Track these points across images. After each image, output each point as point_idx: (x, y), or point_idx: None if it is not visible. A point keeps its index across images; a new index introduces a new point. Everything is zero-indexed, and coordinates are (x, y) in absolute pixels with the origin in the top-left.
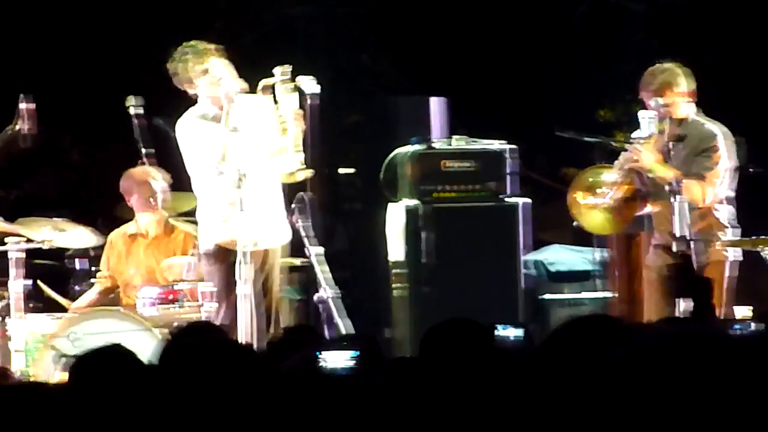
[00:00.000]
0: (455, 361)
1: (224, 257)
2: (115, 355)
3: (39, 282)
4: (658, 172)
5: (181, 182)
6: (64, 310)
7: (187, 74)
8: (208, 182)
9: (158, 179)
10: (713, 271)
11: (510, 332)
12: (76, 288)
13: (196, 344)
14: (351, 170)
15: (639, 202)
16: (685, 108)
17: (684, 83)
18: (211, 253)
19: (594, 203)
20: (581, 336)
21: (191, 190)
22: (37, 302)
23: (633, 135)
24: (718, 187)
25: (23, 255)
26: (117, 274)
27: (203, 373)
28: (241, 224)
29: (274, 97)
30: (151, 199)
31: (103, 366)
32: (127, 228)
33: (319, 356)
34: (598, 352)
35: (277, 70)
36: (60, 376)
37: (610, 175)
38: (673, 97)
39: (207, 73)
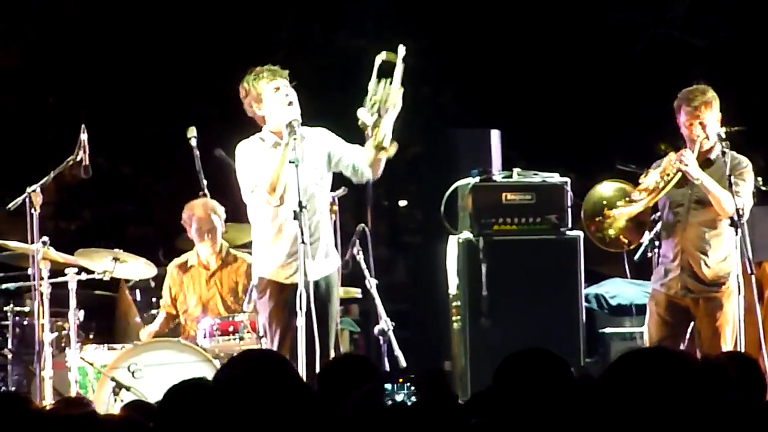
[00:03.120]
0: (533, 392)
1: (270, 288)
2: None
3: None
4: (706, 181)
5: (241, 214)
6: (124, 340)
7: (259, 91)
8: (258, 212)
9: (218, 212)
10: None
11: None
12: (137, 320)
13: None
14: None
15: (641, 230)
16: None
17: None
18: (258, 285)
19: (625, 212)
20: (639, 369)
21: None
22: (96, 334)
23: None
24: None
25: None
26: (178, 304)
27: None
28: (300, 253)
29: (379, 73)
30: (208, 234)
31: (188, 399)
32: (187, 258)
33: (385, 389)
34: (658, 385)
35: (402, 50)
36: (119, 408)
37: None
38: (712, 116)
39: (278, 90)
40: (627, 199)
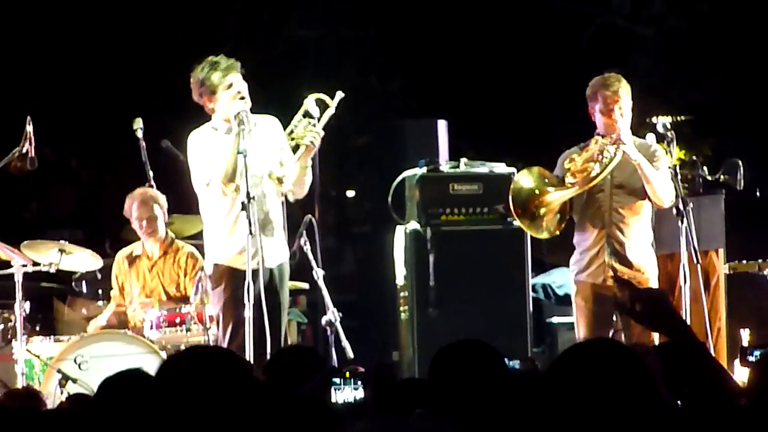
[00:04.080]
0: (466, 383)
1: (226, 278)
2: (137, 379)
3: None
4: (644, 163)
5: (189, 205)
6: (70, 331)
7: (212, 85)
8: (210, 201)
9: (158, 201)
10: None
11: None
12: (83, 311)
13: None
14: (355, 193)
15: (540, 207)
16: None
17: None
18: (213, 274)
19: (559, 195)
20: (586, 361)
21: (199, 213)
22: (42, 325)
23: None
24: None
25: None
26: (124, 294)
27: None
28: (248, 245)
29: (307, 111)
30: (147, 222)
31: (125, 390)
32: (133, 249)
33: (334, 383)
34: (604, 377)
35: (339, 95)
36: (64, 400)
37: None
38: (629, 102)
39: (231, 87)
40: (556, 184)
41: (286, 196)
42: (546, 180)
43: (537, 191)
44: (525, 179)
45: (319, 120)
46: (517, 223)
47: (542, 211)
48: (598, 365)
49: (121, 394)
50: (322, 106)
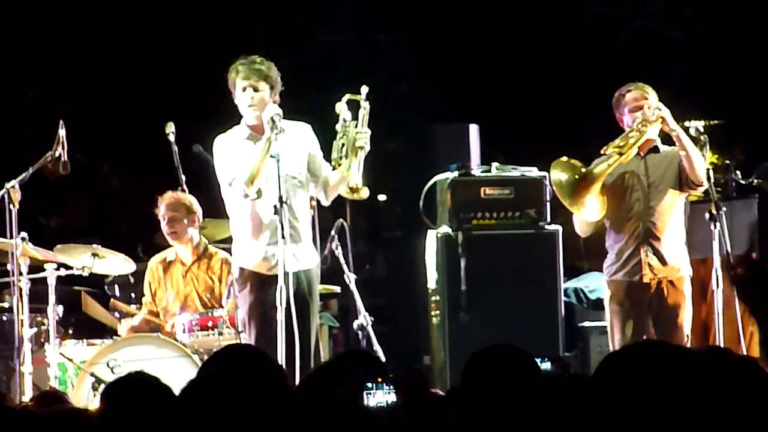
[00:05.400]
0: (500, 388)
1: (251, 282)
2: (141, 383)
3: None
4: (682, 135)
5: (221, 210)
6: (102, 335)
7: (233, 84)
8: (237, 206)
9: (185, 203)
10: None
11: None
12: (116, 314)
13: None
14: (387, 197)
15: (589, 187)
16: None
17: None
18: (239, 277)
19: (603, 167)
20: (635, 361)
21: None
22: (75, 329)
23: None
24: None
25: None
26: (157, 300)
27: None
28: (279, 249)
29: (354, 113)
30: (173, 224)
31: (130, 394)
32: (166, 255)
33: (366, 387)
34: (649, 378)
35: (365, 89)
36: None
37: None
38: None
39: (245, 90)
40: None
41: (318, 201)
42: (577, 165)
43: (577, 176)
44: (559, 173)
45: (357, 121)
46: (552, 227)
47: (592, 190)
48: (654, 367)
49: (128, 400)
50: (355, 106)
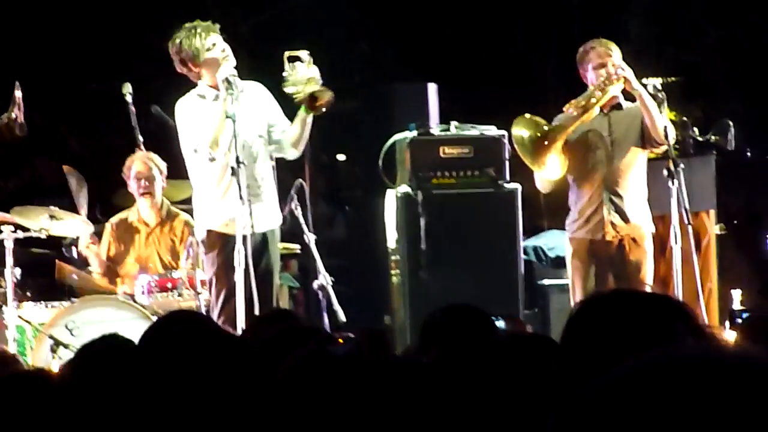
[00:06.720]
0: (455, 348)
1: (219, 243)
2: (114, 345)
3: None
4: (644, 93)
5: (178, 170)
6: (58, 297)
7: (194, 48)
8: (201, 167)
9: (158, 165)
10: None
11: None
12: (74, 276)
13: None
14: (346, 157)
15: (551, 145)
16: None
17: None
18: (206, 239)
19: (567, 124)
20: (604, 315)
21: (188, 178)
22: (32, 291)
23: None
24: None
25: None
26: (117, 260)
27: (187, 363)
28: (238, 210)
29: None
30: (144, 181)
31: (103, 355)
32: (127, 215)
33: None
34: (619, 330)
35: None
36: (57, 366)
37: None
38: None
39: (214, 46)
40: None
41: (277, 161)
42: (540, 122)
43: (539, 133)
44: (521, 130)
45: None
46: (511, 185)
47: (553, 148)
48: (625, 314)
49: (102, 361)
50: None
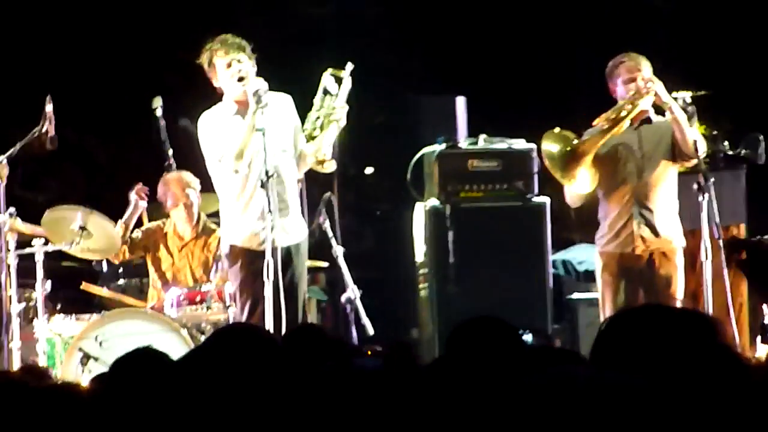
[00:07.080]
0: (482, 360)
1: (241, 257)
2: (148, 358)
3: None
4: (674, 106)
5: (207, 184)
6: (88, 310)
7: (213, 65)
8: (224, 180)
9: (193, 185)
10: None
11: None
12: (104, 289)
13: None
14: (374, 170)
15: (581, 159)
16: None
17: None
18: (228, 254)
19: (597, 135)
20: (634, 330)
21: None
22: (64, 304)
23: None
24: None
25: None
26: (151, 254)
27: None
28: (261, 224)
29: (325, 89)
30: (184, 208)
31: (137, 369)
32: (167, 225)
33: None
34: (648, 345)
35: (350, 66)
36: (86, 379)
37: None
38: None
39: (230, 66)
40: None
41: (306, 174)
42: (569, 136)
43: (569, 147)
44: (550, 145)
45: (337, 96)
46: (540, 199)
47: (583, 162)
48: (656, 330)
49: (136, 373)
50: (338, 81)
